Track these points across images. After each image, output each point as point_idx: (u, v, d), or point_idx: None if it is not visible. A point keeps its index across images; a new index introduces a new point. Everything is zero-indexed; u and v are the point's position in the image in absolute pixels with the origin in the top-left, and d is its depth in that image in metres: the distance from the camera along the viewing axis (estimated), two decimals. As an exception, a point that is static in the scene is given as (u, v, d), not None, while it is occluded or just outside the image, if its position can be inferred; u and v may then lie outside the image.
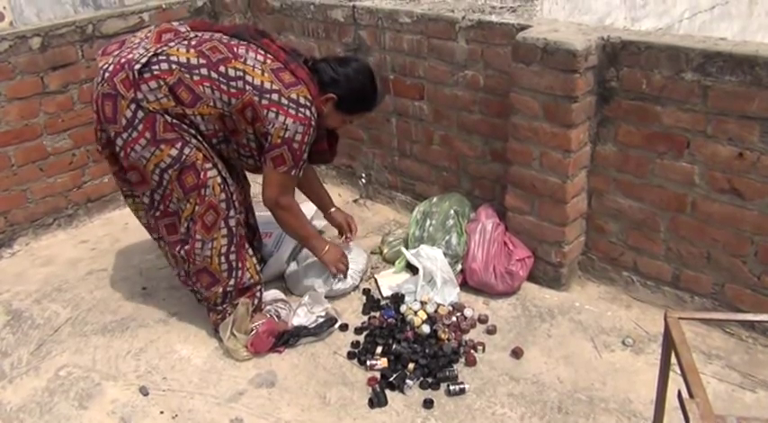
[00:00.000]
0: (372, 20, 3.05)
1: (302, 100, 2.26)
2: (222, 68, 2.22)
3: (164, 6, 3.49)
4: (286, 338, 2.47)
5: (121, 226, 3.44)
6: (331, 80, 2.36)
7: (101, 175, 3.48)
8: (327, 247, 2.65)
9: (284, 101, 2.24)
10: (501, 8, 2.83)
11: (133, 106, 2.20)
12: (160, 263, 3.05)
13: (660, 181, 2.40)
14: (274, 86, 2.24)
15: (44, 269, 3.11)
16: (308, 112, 2.27)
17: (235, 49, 2.27)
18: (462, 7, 2.86)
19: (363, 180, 3.51)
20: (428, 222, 2.85)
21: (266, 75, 2.25)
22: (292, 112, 2.24)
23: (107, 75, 2.22)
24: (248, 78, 2.23)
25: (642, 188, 2.46)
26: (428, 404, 2.19)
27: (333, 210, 2.86)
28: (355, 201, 3.53)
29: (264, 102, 2.23)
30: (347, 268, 2.71)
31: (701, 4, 5.41)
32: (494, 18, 2.66)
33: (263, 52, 2.30)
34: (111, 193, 3.55)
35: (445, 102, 2.95)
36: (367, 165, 3.48)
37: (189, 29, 2.37)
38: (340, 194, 3.56)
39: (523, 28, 2.50)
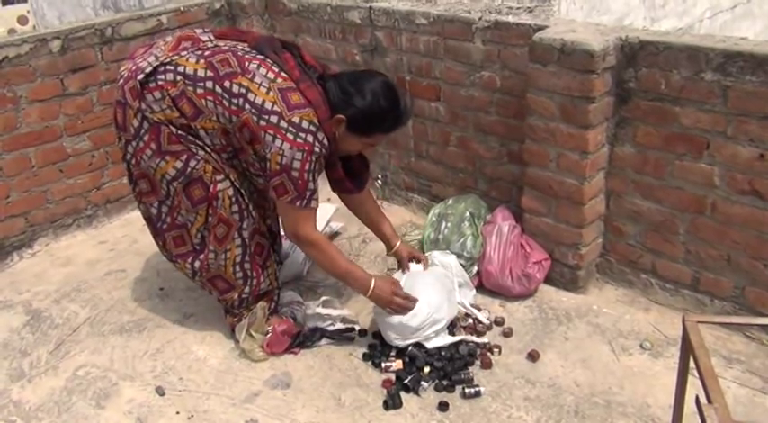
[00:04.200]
0: (389, 21, 3.05)
1: (305, 124, 2.09)
2: (227, 83, 2.10)
3: (182, 9, 3.51)
4: (302, 340, 2.48)
5: (140, 227, 3.45)
6: (339, 100, 2.16)
7: (119, 177, 3.51)
8: (374, 284, 2.30)
9: (283, 124, 2.07)
10: (518, 9, 2.82)
11: (139, 116, 2.17)
12: (177, 264, 3.08)
13: (679, 182, 2.37)
14: (276, 108, 2.08)
15: (63, 269, 3.14)
16: (309, 138, 2.09)
17: (246, 64, 2.13)
18: (479, 8, 2.85)
19: (380, 181, 3.51)
20: (443, 225, 2.83)
21: (271, 94, 2.09)
22: (290, 137, 2.07)
23: (121, 81, 2.20)
24: (250, 96, 2.09)
25: (661, 190, 2.43)
26: (443, 407, 2.18)
27: (398, 244, 2.58)
28: (371, 202, 3.52)
29: (262, 123, 2.08)
30: (407, 300, 2.34)
31: (722, 4, 5.35)
32: (510, 19, 2.65)
33: (276, 69, 2.14)
34: (129, 195, 3.56)
35: (461, 103, 2.93)
36: (383, 166, 3.48)
37: (212, 37, 2.24)
38: (356, 196, 3.56)
39: (540, 28, 2.48)
